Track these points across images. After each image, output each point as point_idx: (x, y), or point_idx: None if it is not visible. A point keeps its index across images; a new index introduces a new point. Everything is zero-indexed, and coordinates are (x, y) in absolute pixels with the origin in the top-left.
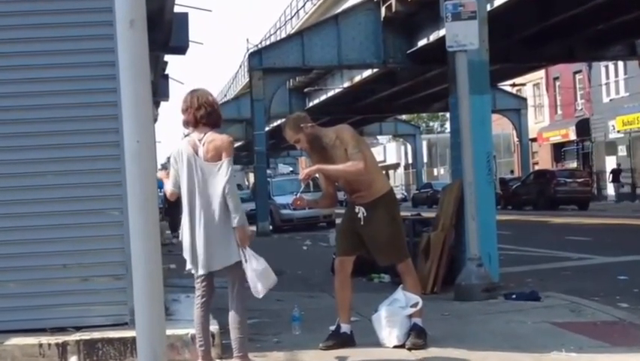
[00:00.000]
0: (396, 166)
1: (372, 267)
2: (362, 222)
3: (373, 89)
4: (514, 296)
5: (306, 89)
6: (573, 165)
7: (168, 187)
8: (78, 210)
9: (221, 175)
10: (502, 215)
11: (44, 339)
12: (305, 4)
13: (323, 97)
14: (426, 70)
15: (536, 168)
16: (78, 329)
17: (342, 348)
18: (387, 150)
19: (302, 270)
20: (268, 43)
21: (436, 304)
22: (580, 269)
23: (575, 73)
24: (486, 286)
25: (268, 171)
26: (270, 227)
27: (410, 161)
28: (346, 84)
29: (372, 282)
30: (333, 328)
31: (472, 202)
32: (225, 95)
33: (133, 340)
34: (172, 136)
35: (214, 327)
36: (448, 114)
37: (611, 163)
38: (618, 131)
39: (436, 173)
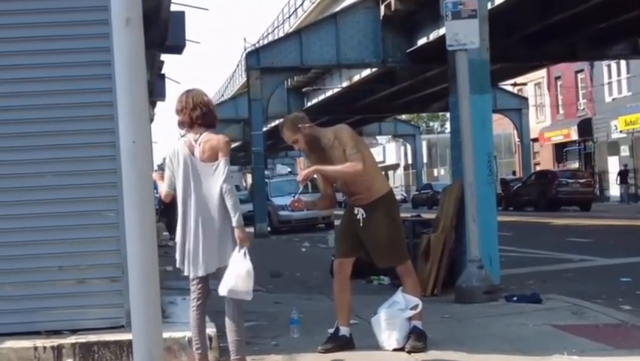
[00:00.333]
0: (395, 167)
1: (372, 269)
2: (361, 224)
3: (372, 89)
4: (515, 298)
5: (304, 89)
6: (575, 165)
7: (163, 188)
8: (73, 211)
9: (218, 175)
10: (503, 216)
11: (39, 342)
12: (303, 2)
13: (321, 97)
14: (426, 69)
15: (538, 168)
16: (74, 331)
17: (341, 351)
18: (387, 150)
19: (300, 272)
20: (266, 42)
21: (436, 306)
22: (582, 271)
23: (577, 72)
24: (487, 289)
25: (266, 172)
26: (268, 228)
27: (410, 161)
28: (345, 84)
29: (372, 284)
30: (331, 331)
31: (472, 203)
32: (222, 95)
33: (129, 343)
34: (168, 136)
35: (211, 330)
36: (448, 114)
37: (613, 163)
38: (621, 131)
39: (436, 173)
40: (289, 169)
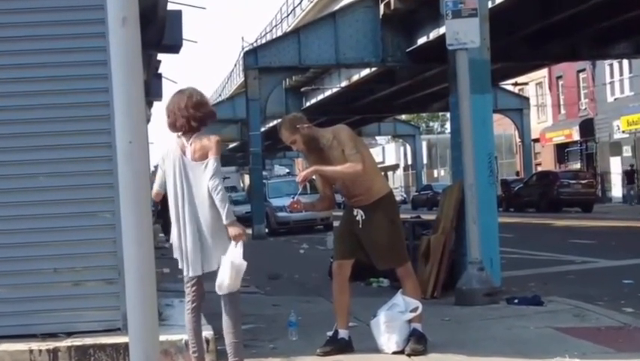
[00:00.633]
0: (395, 167)
1: (371, 271)
2: (360, 225)
3: (372, 89)
4: (516, 301)
5: (302, 89)
6: (577, 166)
7: (154, 187)
8: (69, 212)
9: (207, 173)
10: (503, 217)
11: (35, 345)
12: (301, 1)
13: (320, 97)
14: (426, 69)
15: (539, 169)
16: (69, 334)
17: (339, 354)
18: (386, 150)
19: (298, 274)
20: (264, 41)
21: (437, 309)
22: (584, 273)
23: (579, 72)
24: (487, 291)
25: (264, 173)
26: (266, 230)
27: (409, 162)
28: (344, 83)
29: (371, 286)
30: (330, 333)
31: (473, 204)
32: (220, 95)
33: (125, 346)
34: (165, 137)
35: (208, 332)
36: (448, 114)
37: (615, 164)
38: (623, 132)
39: (436, 174)
40: (287, 170)
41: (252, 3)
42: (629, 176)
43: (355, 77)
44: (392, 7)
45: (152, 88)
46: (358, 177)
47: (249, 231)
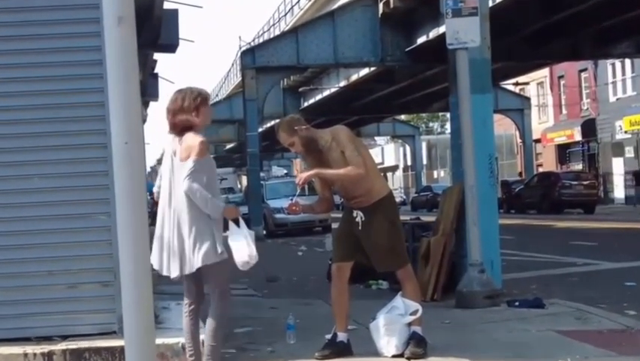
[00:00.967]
0: (394, 168)
1: (370, 273)
2: (360, 227)
3: (371, 89)
4: (517, 303)
5: (300, 89)
6: (578, 166)
7: (154, 188)
8: (64, 214)
9: (183, 173)
10: (504, 219)
11: (29, 348)
12: (299, 0)
13: (318, 97)
14: (425, 68)
15: (540, 170)
16: (64, 338)
17: (338, 358)
18: (386, 151)
19: (297, 276)
20: (261, 40)
21: (437, 311)
22: (586, 275)
23: (581, 71)
24: (488, 293)
25: (261, 174)
26: (264, 232)
27: (409, 163)
28: (342, 83)
29: (370, 289)
30: (329, 337)
31: (473, 206)
32: (217, 95)
33: (121, 349)
34: (162, 137)
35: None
36: (448, 114)
37: (618, 165)
38: (625, 132)
39: (435, 175)
40: (285, 171)
41: (249, 2)
42: (637, 177)
43: (354, 77)
44: (391, 5)
45: (148, 88)
46: (360, 179)
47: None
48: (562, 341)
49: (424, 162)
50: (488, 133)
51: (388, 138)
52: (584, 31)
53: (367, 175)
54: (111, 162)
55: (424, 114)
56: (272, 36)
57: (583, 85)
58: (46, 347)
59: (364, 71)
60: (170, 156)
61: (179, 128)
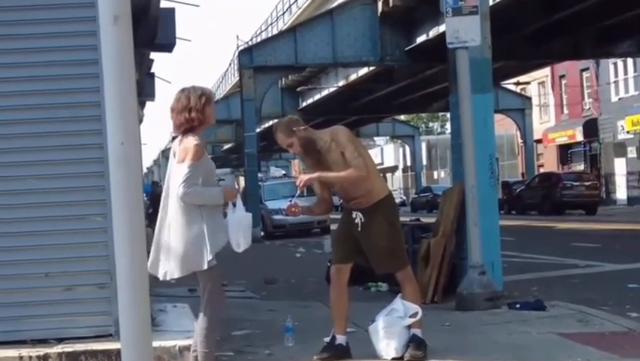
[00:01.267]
0: (394, 169)
1: (370, 275)
2: (359, 228)
3: (370, 88)
4: (518, 306)
5: (299, 89)
6: (580, 167)
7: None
8: (60, 215)
9: (178, 178)
10: (505, 220)
11: (25, 351)
12: None
13: (317, 96)
14: (425, 68)
15: (541, 170)
16: (60, 340)
17: None
18: (385, 152)
19: (295, 278)
20: (259, 40)
21: (437, 314)
22: (587, 277)
23: (582, 70)
24: (489, 295)
25: (259, 175)
26: (262, 233)
27: (409, 163)
28: (341, 83)
29: (370, 291)
30: (328, 339)
31: (474, 207)
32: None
33: (118, 352)
34: (158, 138)
35: None
36: (448, 114)
37: (620, 165)
38: (628, 132)
39: (435, 176)
40: (283, 172)
41: (247, 0)
42: None
43: (353, 77)
44: (391, 4)
45: (144, 88)
46: (360, 180)
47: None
48: (563, 344)
49: (424, 162)
50: (489, 133)
51: (388, 138)
52: (585, 30)
53: (367, 176)
54: (107, 162)
55: (423, 114)
56: (270, 35)
57: (584, 84)
58: (41, 350)
59: (363, 71)
60: (172, 157)
61: (182, 128)
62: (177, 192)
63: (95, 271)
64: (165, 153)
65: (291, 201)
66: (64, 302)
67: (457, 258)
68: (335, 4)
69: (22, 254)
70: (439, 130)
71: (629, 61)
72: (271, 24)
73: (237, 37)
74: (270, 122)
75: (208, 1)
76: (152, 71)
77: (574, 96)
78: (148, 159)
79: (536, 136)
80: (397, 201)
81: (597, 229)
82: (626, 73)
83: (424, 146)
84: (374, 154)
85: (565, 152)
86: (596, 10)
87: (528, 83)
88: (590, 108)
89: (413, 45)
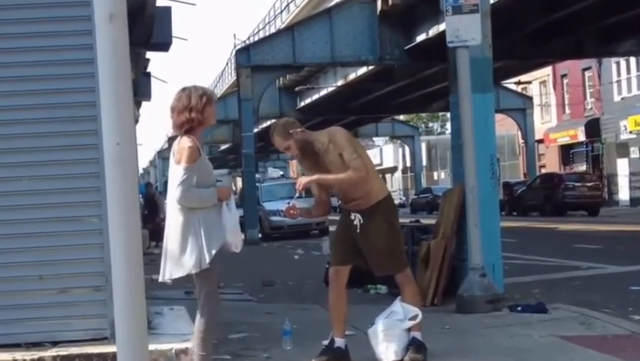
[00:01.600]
0: (393, 170)
1: (369, 277)
2: (358, 230)
3: (369, 88)
4: (519, 308)
5: (297, 88)
6: (582, 168)
7: None
8: (54, 217)
9: (174, 181)
10: (506, 221)
11: (19, 355)
12: None
13: (315, 96)
14: (425, 67)
15: (543, 171)
16: (55, 344)
17: None
18: (384, 152)
19: (293, 281)
20: (257, 39)
21: (437, 316)
22: (590, 279)
23: (584, 70)
24: (490, 298)
25: (257, 176)
26: (259, 235)
27: (408, 164)
28: (340, 82)
29: (369, 293)
30: (326, 342)
31: (474, 208)
32: None
33: (113, 355)
34: (154, 138)
35: None
36: (448, 114)
37: (622, 166)
38: (630, 132)
39: (435, 177)
40: (281, 172)
41: None
42: None
43: (352, 76)
44: (390, 2)
45: (140, 87)
46: (359, 182)
47: (242, 236)
48: (565, 347)
49: (424, 163)
50: (489, 133)
51: (387, 138)
52: (587, 28)
53: (366, 177)
54: (103, 163)
55: (423, 114)
56: (267, 34)
57: (587, 84)
58: (35, 354)
59: (362, 70)
60: (171, 156)
61: (182, 128)
62: (176, 193)
63: (91, 273)
64: (161, 154)
65: (289, 203)
66: (58, 305)
67: (457, 260)
68: (333, 3)
69: (16, 256)
70: (439, 130)
71: (632, 60)
72: (269, 23)
73: (234, 36)
74: (268, 123)
75: None
76: (148, 70)
77: (576, 96)
78: (144, 159)
79: (538, 136)
80: (397, 202)
81: (599, 230)
82: (628, 72)
83: (423, 146)
84: (373, 155)
85: (567, 152)
86: (596, 9)
87: (529, 82)
88: (592, 108)
89: (413, 44)
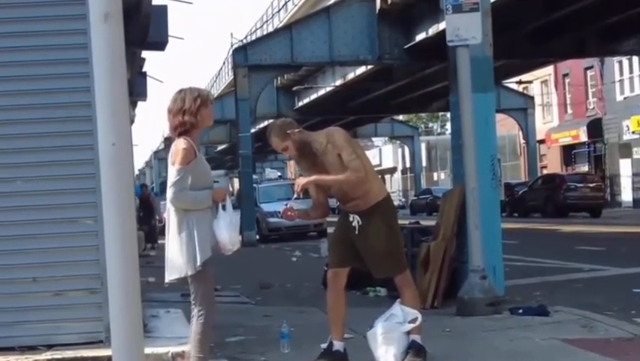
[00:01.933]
0: (392, 170)
1: (368, 279)
2: (357, 232)
3: (368, 88)
4: (520, 311)
5: (295, 88)
6: (584, 168)
7: None
8: (49, 218)
9: (168, 182)
10: (507, 223)
11: (13, 358)
12: None
13: (313, 96)
14: (425, 66)
15: (544, 172)
16: (50, 347)
17: None
18: (383, 153)
19: (291, 283)
20: (254, 38)
21: (437, 319)
22: (592, 281)
23: (586, 69)
24: (490, 300)
25: (254, 176)
26: (257, 237)
27: (408, 165)
28: (338, 82)
29: (368, 296)
30: (324, 346)
31: (475, 209)
32: None
33: (109, 359)
34: (150, 139)
35: None
36: (448, 114)
37: (625, 166)
38: (633, 132)
39: (435, 178)
40: (279, 173)
41: None
42: None
43: (350, 76)
44: (389, 1)
45: (136, 87)
46: (358, 182)
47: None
48: (566, 350)
49: (424, 163)
50: (490, 133)
51: (386, 138)
52: (588, 27)
53: (365, 178)
54: (98, 164)
55: (423, 114)
56: (265, 33)
57: (589, 83)
58: (30, 357)
59: (361, 70)
60: (169, 157)
61: (177, 131)
62: (168, 194)
63: (86, 275)
64: (157, 155)
65: (287, 204)
66: (53, 308)
67: (457, 262)
68: (332, 1)
69: (10, 258)
70: (439, 130)
71: (635, 59)
72: (266, 22)
73: (231, 35)
74: (265, 123)
75: None
76: (143, 70)
77: (578, 95)
78: (139, 160)
79: (539, 136)
80: (396, 203)
81: (602, 231)
82: (631, 71)
83: (423, 147)
84: (372, 155)
85: (568, 153)
86: (598, 7)
87: (530, 82)
88: (594, 108)
89: (412, 43)
